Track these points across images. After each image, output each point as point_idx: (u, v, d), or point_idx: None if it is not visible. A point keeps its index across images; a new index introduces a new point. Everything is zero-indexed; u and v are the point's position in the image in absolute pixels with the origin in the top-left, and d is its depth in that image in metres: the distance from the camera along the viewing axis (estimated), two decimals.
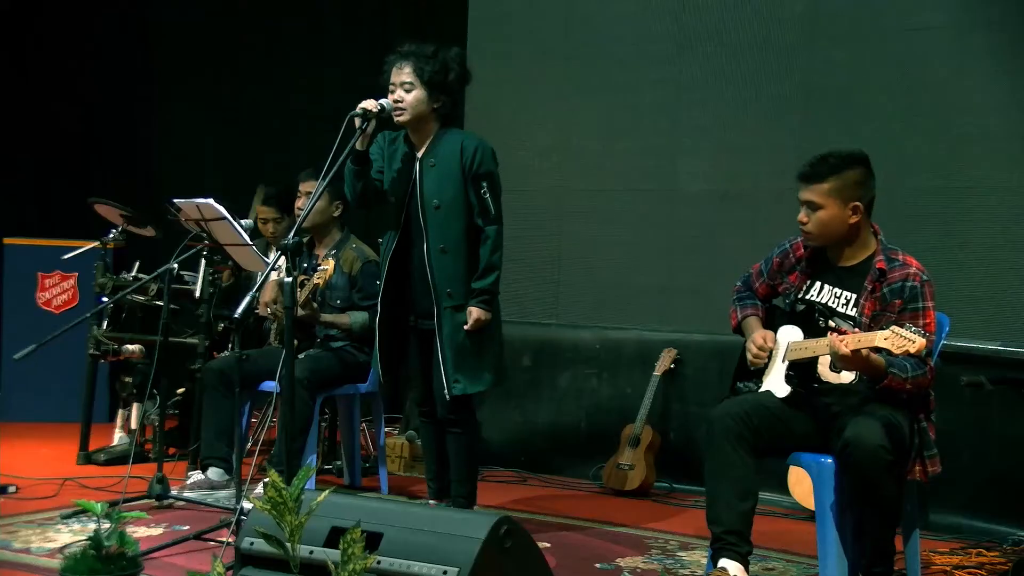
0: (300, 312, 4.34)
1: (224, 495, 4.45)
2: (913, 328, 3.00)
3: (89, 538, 2.70)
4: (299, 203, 4.86)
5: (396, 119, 3.96)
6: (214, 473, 4.61)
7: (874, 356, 3.11)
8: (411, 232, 4.03)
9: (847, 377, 3.31)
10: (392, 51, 4.04)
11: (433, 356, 4.02)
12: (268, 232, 5.44)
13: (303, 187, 4.84)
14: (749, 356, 3.46)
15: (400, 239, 4.04)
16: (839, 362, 3.17)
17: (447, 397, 3.99)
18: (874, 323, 3.25)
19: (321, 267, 4.38)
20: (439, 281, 3.98)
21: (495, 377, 4.08)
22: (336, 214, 4.83)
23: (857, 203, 3.30)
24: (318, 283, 4.32)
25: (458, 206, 3.98)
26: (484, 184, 3.98)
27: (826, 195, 3.29)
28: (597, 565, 3.79)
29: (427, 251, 3.97)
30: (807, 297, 3.45)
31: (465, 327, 3.96)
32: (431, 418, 4.20)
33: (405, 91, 3.95)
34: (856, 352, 3.07)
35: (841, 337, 3.13)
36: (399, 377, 4.27)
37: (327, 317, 4.63)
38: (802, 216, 3.36)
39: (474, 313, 3.96)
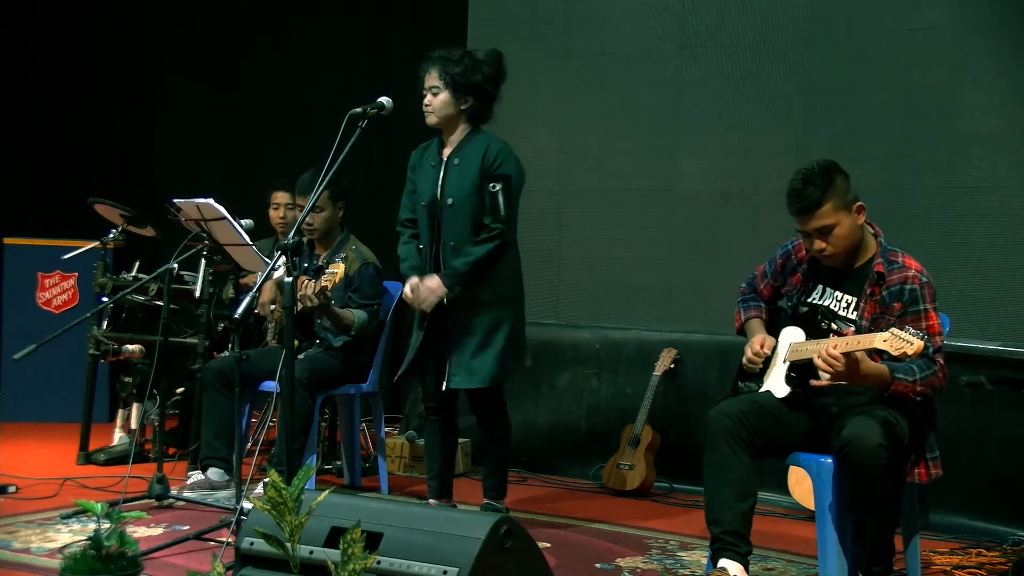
0: (313, 301, 4.34)
1: (224, 495, 4.45)
2: (912, 330, 2.99)
3: (89, 538, 2.70)
4: (295, 213, 4.89)
5: (426, 121, 4.12)
6: (214, 473, 4.60)
7: (871, 364, 3.09)
8: (435, 230, 4.11)
9: None
10: (424, 57, 4.16)
11: (441, 350, 4.08)
12: (277, 218, 5.53)
13: (298, 200, 4.84)
14: (744, 360, 3.46)
15: (432, 238, 4.11)
16: (834, 379, 3.13)
17: (443, 389, 4.07)
18: (874, 326, 3.24)
19: (331, 269, 4.40)
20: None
21: (497, 375, 4.09)
22: (340, 216, 4.84)
23: (858, 203, 3.30)
24: (326, 285, 4.33)
25: (470, 205, 4.03)
26: (498, 184, 4.03)
27: (834, 212, 3.25)
28: (597, 565, 3.79)
29: (441, 248, 4.06)
30: (809, 300, 3.44)
31: (405, 290, 4.04)
32: (439, 415, 4.23)
33: (432, 95, 4.09)
34: (849, 356, 3.06)
35: (835, 342, 3.12)
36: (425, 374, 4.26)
37: (336, 310, 4.62)
38: (818, 244, 3.29)
39: (429, 282, 4.00)
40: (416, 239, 4.21)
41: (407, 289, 4.09)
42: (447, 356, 4.08)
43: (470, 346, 4.04)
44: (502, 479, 4.29)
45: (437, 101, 4.08)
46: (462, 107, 4.09)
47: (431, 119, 4.12)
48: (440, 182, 4.09)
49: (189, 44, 7.59)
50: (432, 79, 4.09)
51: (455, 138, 4.13)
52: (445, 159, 4.12)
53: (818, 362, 3.12)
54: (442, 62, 4.08)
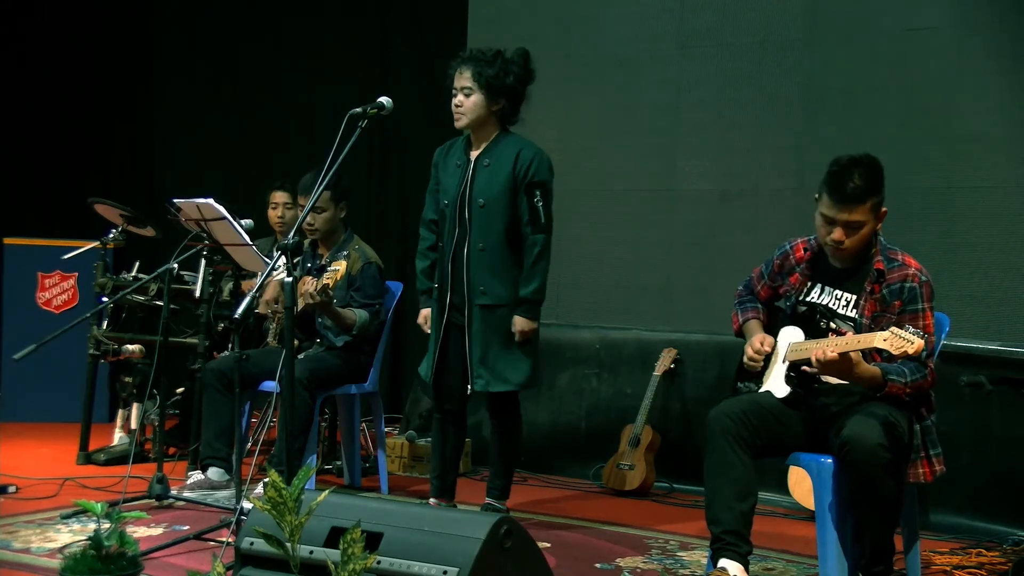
0: (315, 299, 4.32)
1: (224, 495, 4.45)
2: (912, 329, 3.00)
3: (89, 538, 2.69)
4: (294, 213, 4.89)
5: (456, 124, 4.06)
6: (214, 473, 4.60)
7: (865, 365, 3.10)
8: (460, 230, 4.09)
9: None
10: (455, 56, 4.12)
11: (461, 351, 4.08)
12: (276, 218, 5.57)
13: (300, 200, 4.83)
14: (745, 359, 3.46)
15: (457, 238, 4.09)
16: (825, 370, 3.15)
17: (468, 392, 4.08)
18: (874, 324, 3.24)
19: (332, 267, 4.40)
20: (474, 278, 4.04)
21: (524, 379, 4.11)
22: (342, 216, 4.83)
23: (884, 209, 3.30)
24: (328, 283, 4.33)
25: (501, 207, 4.03)
26: (537, 192, 4.03)
27: (868, 212, 3.24)
28: (597, 565, 3.79)
29: (468, 248, 4.04)
30: (808, 299, 3.44)
31: (516, 339, 4.03)
32: (451, 415, 4.24)
33: (465, 95, 4.02)
34: (844, 356, 3.06)
35: (834, 342, 3.12)
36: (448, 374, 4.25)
37: (337, 309, 4.62)
38: (837, 235, 3.25)
39: (518, 323, 4.03)
40: (434, 250, 4.19)
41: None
42: (470, 359, 4.06)
43: (499, 350, 4.04)
44: (508, 480, 4.30)
45: (469, 103, 4.02)
46: (493, 109, 4.05)
47: (462, 121, 4.04)
48: (468, 182, 4.06)
49: (189, 44, 7.59)
50: (464, 79, 4.02)
51: (485, 140, 4.09)
52: (473, 159, 4.08)
53: (814, 363, 3.13)
54: (475, 62, 4.01)
